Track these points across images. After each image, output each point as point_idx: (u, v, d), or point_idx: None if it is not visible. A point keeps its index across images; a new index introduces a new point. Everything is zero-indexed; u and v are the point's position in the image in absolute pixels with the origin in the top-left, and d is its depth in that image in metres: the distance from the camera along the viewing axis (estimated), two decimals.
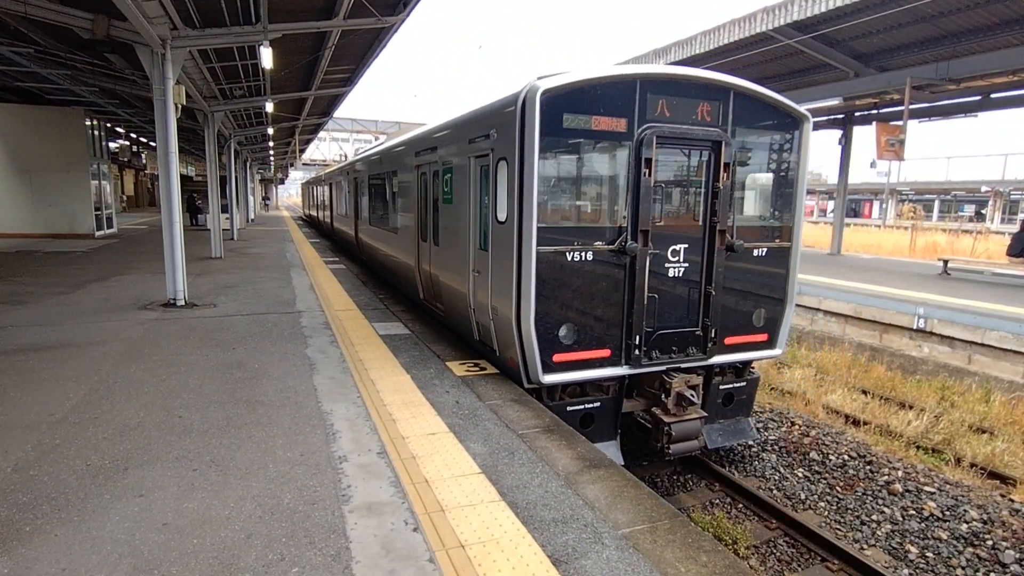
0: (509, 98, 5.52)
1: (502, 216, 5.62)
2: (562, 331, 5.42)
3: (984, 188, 43.52)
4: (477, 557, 2.95)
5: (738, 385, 6.73)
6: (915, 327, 10.31)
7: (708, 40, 15.39)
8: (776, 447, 7.40)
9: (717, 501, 6.25)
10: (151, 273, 11.82)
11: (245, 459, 3.91)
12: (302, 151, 43.05)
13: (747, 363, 6.75)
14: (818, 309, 12.23)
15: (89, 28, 8.22)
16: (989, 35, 12.68)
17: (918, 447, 7.56)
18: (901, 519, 5.84)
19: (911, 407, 8.76)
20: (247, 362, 6.10)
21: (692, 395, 5.83)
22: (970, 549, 5.36)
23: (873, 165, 18.89)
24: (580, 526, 3.24)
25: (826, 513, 6.08)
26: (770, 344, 6.58)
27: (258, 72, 14.28)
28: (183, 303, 8.88)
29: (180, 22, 8.82)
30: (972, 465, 6.96)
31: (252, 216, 35.02)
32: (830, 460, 6.98)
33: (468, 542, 3.07)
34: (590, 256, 5.45)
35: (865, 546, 5.53)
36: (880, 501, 6.14)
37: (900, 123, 14.30)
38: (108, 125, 24.48)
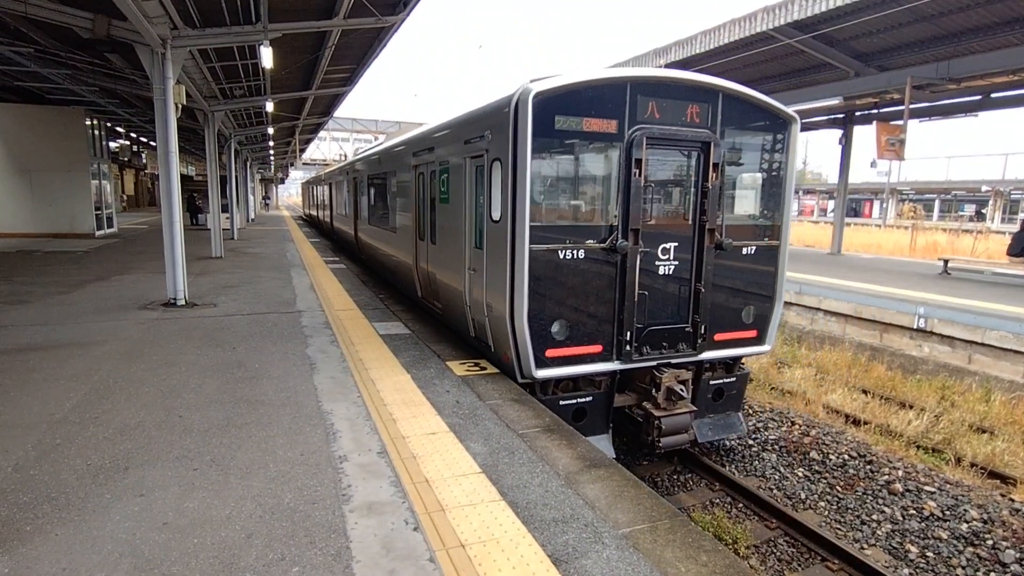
0: (503, 100, 5.63)
1: (496, 215, 5.73)
2: (555, 327, 5.57)
3: (984, 188, 43.50)
4: (477, 557, 2.95)
5: (728, 380, 6.85)
6: (915, 327, 10.31)
7: (708, 40, 15.38)
8: (776, 447, 7.40)
9: (717, 501, 6.25)
10: (151, 273, 11.82)
11: (245, 459, 3.91)
12: (302, 151, 43.04)
13: (737, 359, 6.86)
14: (818, 309, 12.23)
15: (89, 28, 8.22)
16: (989, 35, 12.68)
17: (918, 447, 7.56)
18: (901, 519, 5.85)
19: (911, 407, 8.76)
20: (247, 362, 6.10)
21: (682, 390, 5.96)
22: (970, 549, 5.36)
23: (873, 165, 18.93)
24: (580, 526, 3.24)
25: (826, 513, 6.08)
26: (759, 341, 6.71)
27: (258, 72, 14.28)
28: (183, 303, 8.88)
29: (180, 22, 8.82)
30: (972, 465, 6.96)
31: (252, 216, 35.02)
32: (830, 460, 6.98)
33: (468, 542, 3.07)
34: (582, 254, 5.58)
35: (865, 546, 5.53)
36: (880, 501, 6.14)
37: (900, 123, 14.30)
38: (108, 125, 24.48)
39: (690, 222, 6.09)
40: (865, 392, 9.42)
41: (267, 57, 10.48)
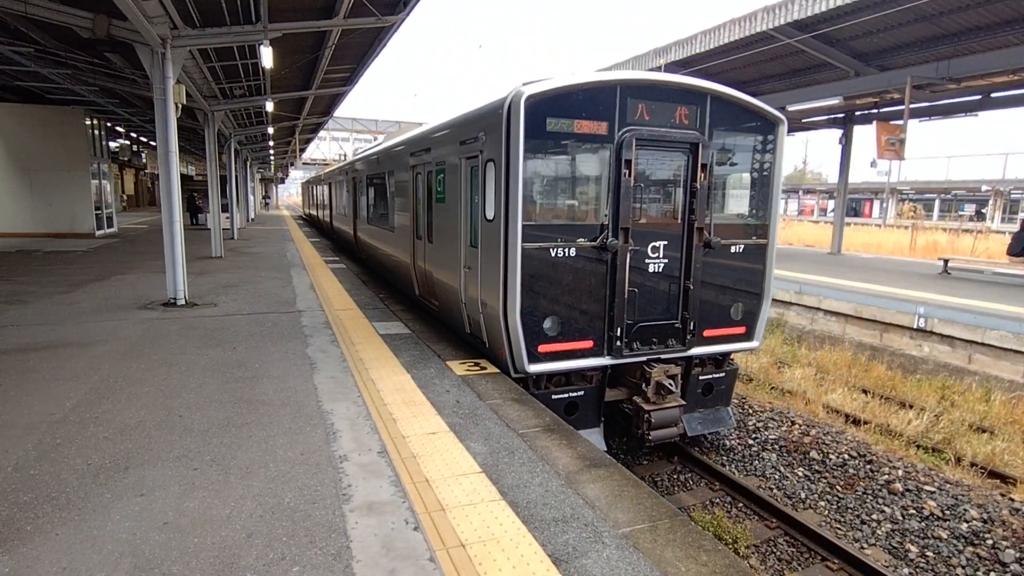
0: (496, 102, 5.79)
1: (490, 214, 5.88)
2: (547, 323, 5.71)
3: (984, 187, 43.49)
4: (477, 556, 2.95)
5: (717, 376, 7.00)
6: (915, 326, 10.31)
7: (708, 40, 15.38)
8: (776, 446, 7.40)
9: (717, 500, 6.26)
10: (151, 272, 11.82)
11: (246, 458, 3.92)
12: (302, 150, 43.04)
13: (726, 354, 6.99)
14: (818, 308, 12.23)
15: (89, 27, 8.22)
16: (989, 34, 12.67)
17: (918, 446, 7.56)
18: (901, 518, 5.85)
19: (911, 406, 8.76)
20: (248, 361, 6.10)
21: (671, 384, 6.09)
22: (970, 548, 5.36)
23: (873, 164, 18.92)
24: (580, 525, 3.24)
25: (826, 512, 6.08)
26: (748, 337, 6.85)
27: (258, 71, 14.28)
28: (183, 302, 8.88)
29: (180, 21, 8.82)
30: (972, 464, 6.96)
31: (252, 215, 35.02)
32: (830, 459, 6.99)
33: (468, 541, 3.07)
34: (573, 252, 5.73)
35: (865, 545, 5.53)
36: (880, 500, 6.15)
37: (900, 122, 14.29)
38: (108, 124, 24.47)
39: (679, 221, 6.23)
40: (865, 392, 9.42)
41: (267, 57, 10.48)
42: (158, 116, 8.48)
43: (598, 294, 5.88)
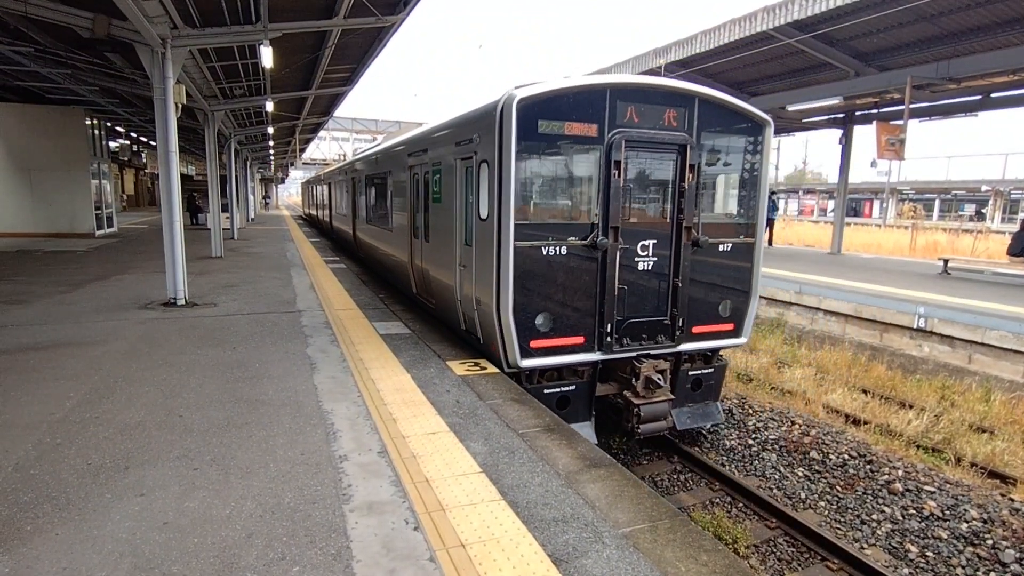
0: (490, 105, 5.94)
1: (484, 214, 6.02)
2: (539, 319, 5.85)
3: (984, 187, 43.49)
4: (477, 556, 2.95)
5: (706, 371, 7.16)
6: (915, 326, 10.30)
7: (708, 40, 15.37)
8: (776, 446, 7.40)
9: (717, 500, 6.26)
10: (151, 272, 11.82)
11: (246, 458, 3.92)
12: (302, 150, 43.03)
13: (715, 350, 7.14)
14: (818, 308, 12.23)
15: (89, 27, 8.22)
16: (989, 34, 12.66)
17: (918, 446, 7.56)
18: (901, 518, 5.85)
19: (911, 406, 8.76)
20: (248, 361, 6.10)
21: (659, 379, 6.25)
22: (970, 548, 5.36)
23: (873, 164, 18.88)
24: (580, 525, 3.24)
25: (826, 512, 6.08)
26: (736, 333, 7.00)
27: (258, 71, 14.27)
28: (183, 302, 8.88)
29: (180, 21, 8.82)
30: (972, 464, 6.96)
31: (252, 215, 35.01)
32: (830, 459, 6.98)
33: (468, 541, 3.07)
34: (564, 251, 5.89)
35: (865, 545, 5.54)
36: (880, 500, 6.15)
37: (900, 122, 14.28)
38: (108, 124, 24.47)
39: (668, 220, 6.37)
40: (865, 392, 9.42)
41: (267, 57, 10.47)
42: (158, 116, 8.48)
43: (589, 291, 6.02)
